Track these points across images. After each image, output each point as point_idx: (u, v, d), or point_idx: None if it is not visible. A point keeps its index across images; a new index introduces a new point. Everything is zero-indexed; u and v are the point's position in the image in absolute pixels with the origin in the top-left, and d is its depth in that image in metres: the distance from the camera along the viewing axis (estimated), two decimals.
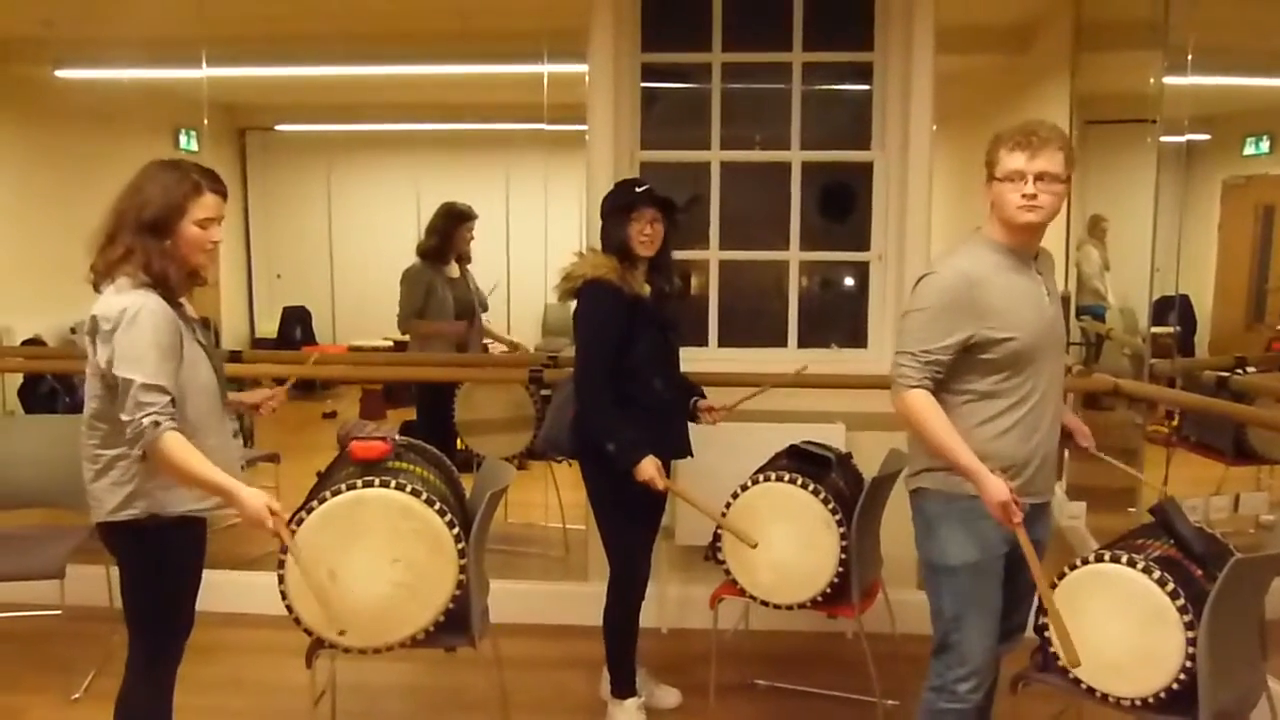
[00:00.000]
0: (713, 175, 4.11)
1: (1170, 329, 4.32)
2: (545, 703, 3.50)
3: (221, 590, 3.18)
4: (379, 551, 2.62)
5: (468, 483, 3.10)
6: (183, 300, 2.48)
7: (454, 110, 6.19)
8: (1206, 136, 4.72)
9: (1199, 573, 2.44)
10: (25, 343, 5.45)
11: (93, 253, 2.42)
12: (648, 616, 3.37)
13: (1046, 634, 2.51)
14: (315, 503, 2.63)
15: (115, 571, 2.50)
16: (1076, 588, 2.48)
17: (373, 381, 5.94)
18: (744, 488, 3.23)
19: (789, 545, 3.17)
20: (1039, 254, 2.57)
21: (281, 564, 2.60)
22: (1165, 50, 3.96)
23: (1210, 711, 2.31)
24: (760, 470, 3.28)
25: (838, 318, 4.28)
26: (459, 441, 4.70)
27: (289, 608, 2.62)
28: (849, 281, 4.27)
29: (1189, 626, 2.33)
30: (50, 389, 5.18)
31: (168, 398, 2.30)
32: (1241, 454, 4.35)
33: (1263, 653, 2.58)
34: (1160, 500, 2.62)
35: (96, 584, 3.29)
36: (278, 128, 6.59)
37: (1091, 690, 2.46)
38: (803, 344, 4.18)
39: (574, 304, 3.21)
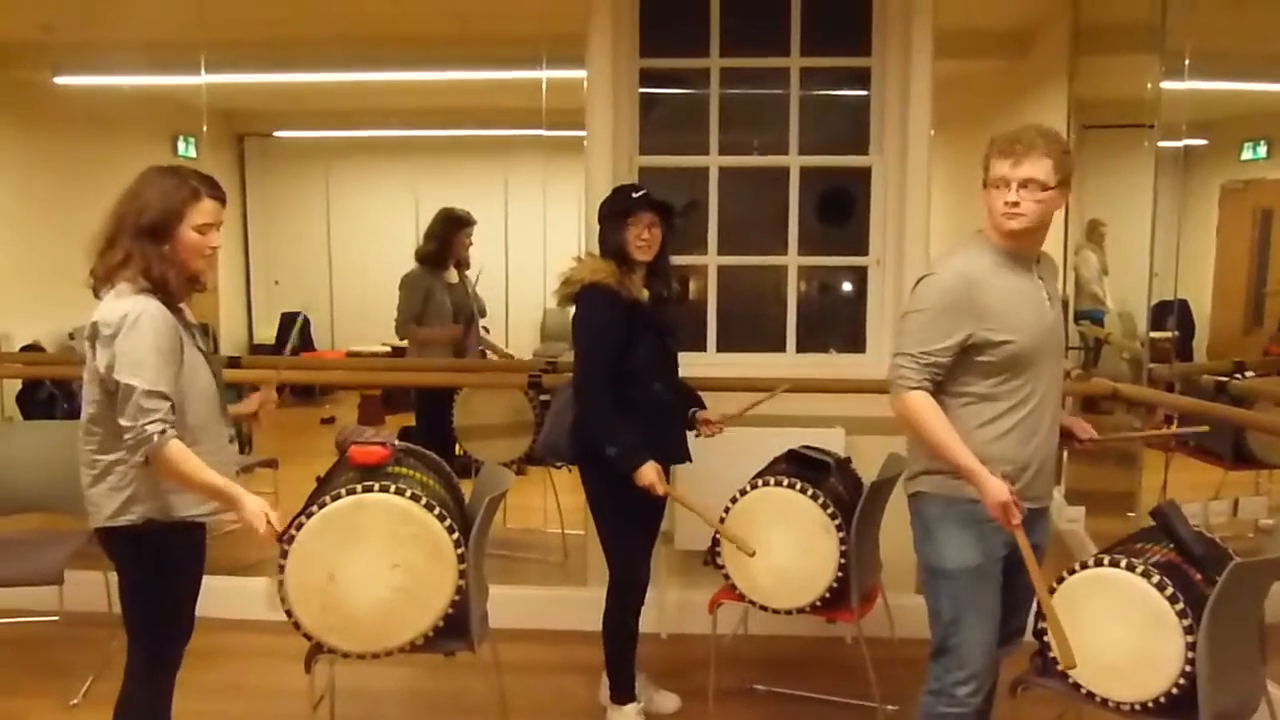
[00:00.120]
0: (711, 180, 4.11)
1: (1169, 333, 4.32)
2: (544, 708, 3.49)
3: (220, 595, 3.17)
4: (378, 556, 2.61)
5: (467, 488, 3.10)
6: (182, 305, 2.48)
7: (453, 116, 6.20)
8: (1204, 141, 4.74)
9: (1198, 577, 2.44)
10: (24, 348, 5.45)
11: (92, 258, 2.42)
12: (647, 621, 3.37)
13: (1045, 638, 2.50)
14: (315, 508, 2.63)
15: (114, 577, 2.50)
16: (1076, 592, 2.47)
17: (371, 387, 5.94)
18: (743, 492, 3.22)
19: (788, 550, 3.17)
20: (1040, 258, 2.57)
21: (280, 569, 2.60)
22: (1163, 55, 3.98)
23: (1210, 716, 2.31)
24: (759, 475, 3.28)
25: (836, 322, 4.28)
26: (458, 447, 4.70)
27: (288, 612, 2.62)
28: (847, 286, 4.27)
29: (1188, 631, 2.33)
30: (49, 394, 5.18)
31: (168, 404, 2.30)
32: (1240, 458, 4.35)
33: (1262, 657, 2.58)
34: (1160, 504, 2.62)
35: (95, 589, 3.28)
36: (276, 134, 6.60)
37: (1091, 694, 2.46)
38: (801, 349, 4.18)
39: (572, 309, 3.21)
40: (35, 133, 5.67)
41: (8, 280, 5.39)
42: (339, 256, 6.44)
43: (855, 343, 4.17)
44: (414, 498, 2.64)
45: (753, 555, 3.07)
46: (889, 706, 3.30)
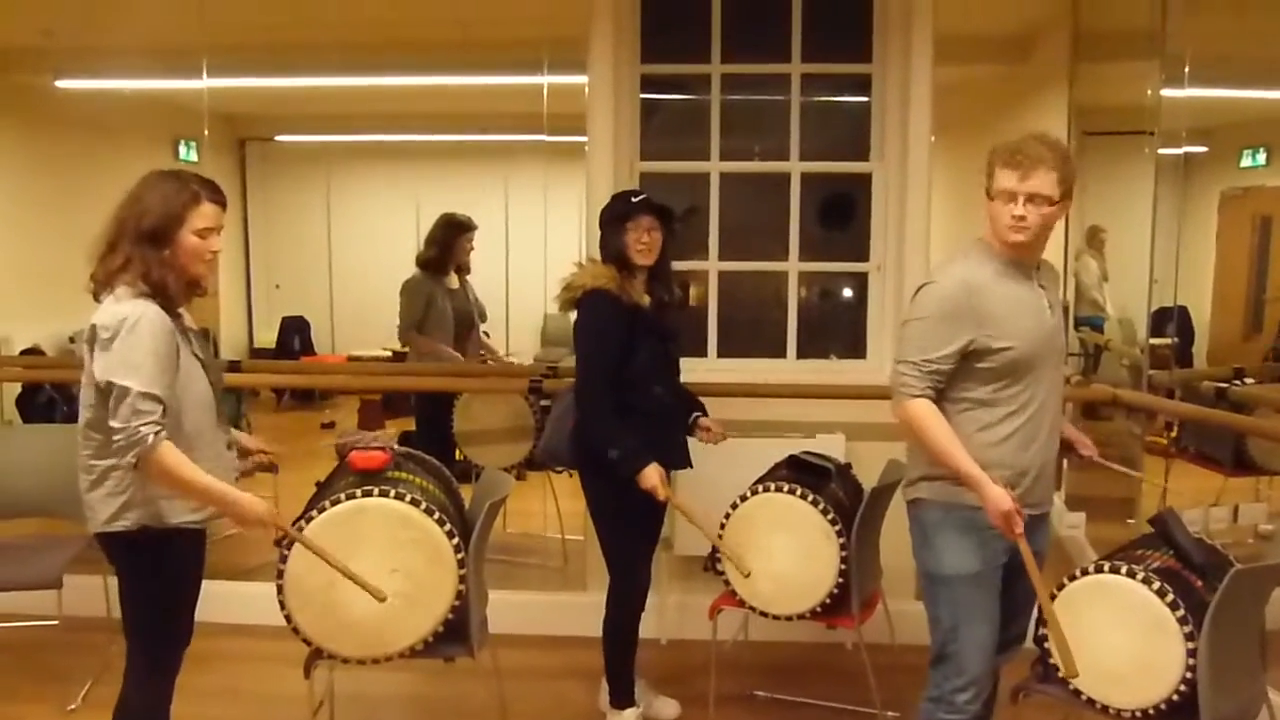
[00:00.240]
0: (712, 186, 4.12)
1: (1169, 340, 4.32)
2: (544, 713, 3.49)
3: (220, 600, 3.17)
4: (378, 561, 2.61)
5: (467, 493, 3.10)
6: (181, 311, 2.48)
7: (454, 121, 6.21)
8: (1204, 148, 4.74)
9: (1199, 583, 2.44)
10: (24, 352, 5.45)
11: (93, 262, 2.42)
12: (647, 627, 3.36)
13: (1046, 645, 2.50)
14: (315, 512, 2.63)
15: (113, 581, 2.50)
16: (1076, 598, 2.47)
17: (371, 391, 5.94)
18: (743, 498, 3.22)
19: (789, 556, 3.17)
20: (1041, 265, 2.57)
21: (280, 574, 2.60)
22: (1163, 62, 3.98)
23: None
24: (760, 481, 3.27)
25: (837, 328, 4.28)
26: (458, 452, 4.69)
27: (287, 617, 2.62)
28: (848, 292, 4.28)
29: (1189, 637, 2.33)
30: (48, 398, 5.18)
31: (162, 408, 2.30)
32: (1240, 464, 4.35)
33: (1263, 663, 2.57)
34: (1160, 511, 2.62)
35: (94, 594, 3.28)
36: (277, 138, 6.61)
37: (1091, 701, 2.46)
38: (802, 354, 4.18)
39: (573, 314, 3.21)
40: (36, 137, 5.67)
41: (8, 283, 5.39)
42: (340, 261, 6.44)
43: (856, 348, 4.17)
44: (414, 502, 2.64)
45: (748, 576, 3.09)
46: (889, 713, 3.30)
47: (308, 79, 5.84)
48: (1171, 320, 4.37)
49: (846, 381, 3.97)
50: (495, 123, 6.09)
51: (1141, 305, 4.21)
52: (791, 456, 3.38)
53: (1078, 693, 2.46)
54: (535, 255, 5.45)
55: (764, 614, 3.24)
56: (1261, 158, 5.03)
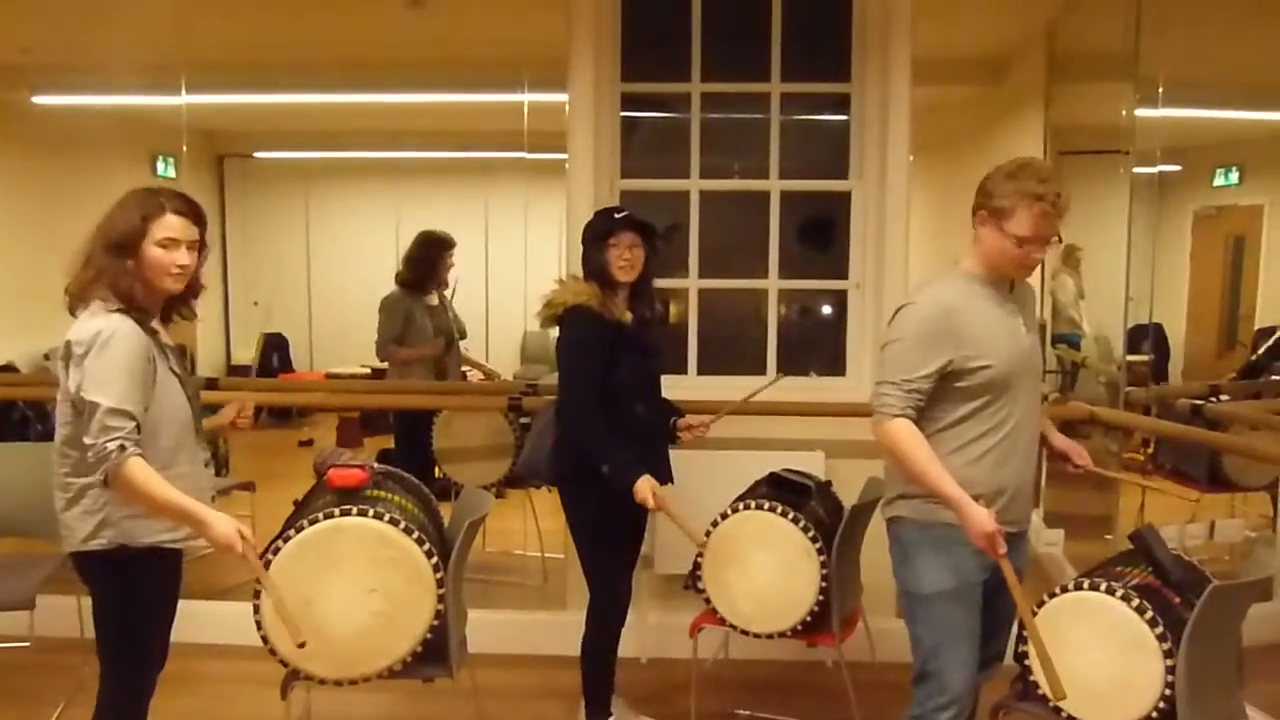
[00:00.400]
0: (692, 204, 4.13)
1: (1145, 357, 4.36)
2: None
3: (196, 620, 3.13)
4: (357, 581, 2.59)
5: (446, 511, 3.08)
6: (157, 327, 2.46)
7: (434, 138, 6.21)
8: (1177, 168, 4.80)
9: (1177, 600, 2.45)
10: None
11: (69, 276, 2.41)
12: (627, 646, 3.35)
13: (1026, 662, 2.51)
14: (292, 531, 2.61)
15: (86, 602, 2.47)
16: (1056, 616, 2.48)
17: (350, 409, 5.91)
18: (724, 516, 3.22)
19: (769, 574, 3.16)
20: (1014, 284, 2.59)
21: (257, 594, 2.57)
22: (1136, 83, 4.03)
23: None
24: (740, 498, 3.27)
25: (816, 345, 4.30)
26: (437, 469, 4.67)
27: (264, 638, 2.59)
28: (827, 309, 4.29)
29: (1168, 654, 2.34)
30: (22, 415, 5.13)
31: (133, 423, 2.27)
32: (1216, 481, 4.39)
33: (1240, 679, 2.59)
34: (1139, 527, 2.63)
35: (67, 615, 3.24)
36: (256, 155, 6.58)
37: (1072, 718, 2.46)
38: (781, 371, 4.18)
39: (554, 331, 3.21)
40: (12, 153, 5.63)
41: None
42: (318, 278, 6.41)
43: (835, 366, 4.18)
44: (392, 521, 2.62)
45: (705, 543, 3.07)
46: None
47: (287, 95, 5.83)
48: (1147, 337, 4.42)
49: (826, 399, 3.98)
50: (476, 140, 6.09)
51: (1118, 323, 4.25)
52: (771, 474, 3.38)
53: (1058, 710, 2.47)
54: (515, 272, 5.45)
55: (745, 632, 3.23)
56: (1234, 177, 5.11)
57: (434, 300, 4.87)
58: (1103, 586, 2.44)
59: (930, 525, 2.51)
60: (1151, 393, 4.30)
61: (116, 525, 2.37)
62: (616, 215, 3.18)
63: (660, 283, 3.38)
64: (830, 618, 3.14)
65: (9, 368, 5.40)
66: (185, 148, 4.78)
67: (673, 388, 3.52)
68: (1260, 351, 4.80)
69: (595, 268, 3.16)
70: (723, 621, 3.24)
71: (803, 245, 4.22)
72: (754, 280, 4.18)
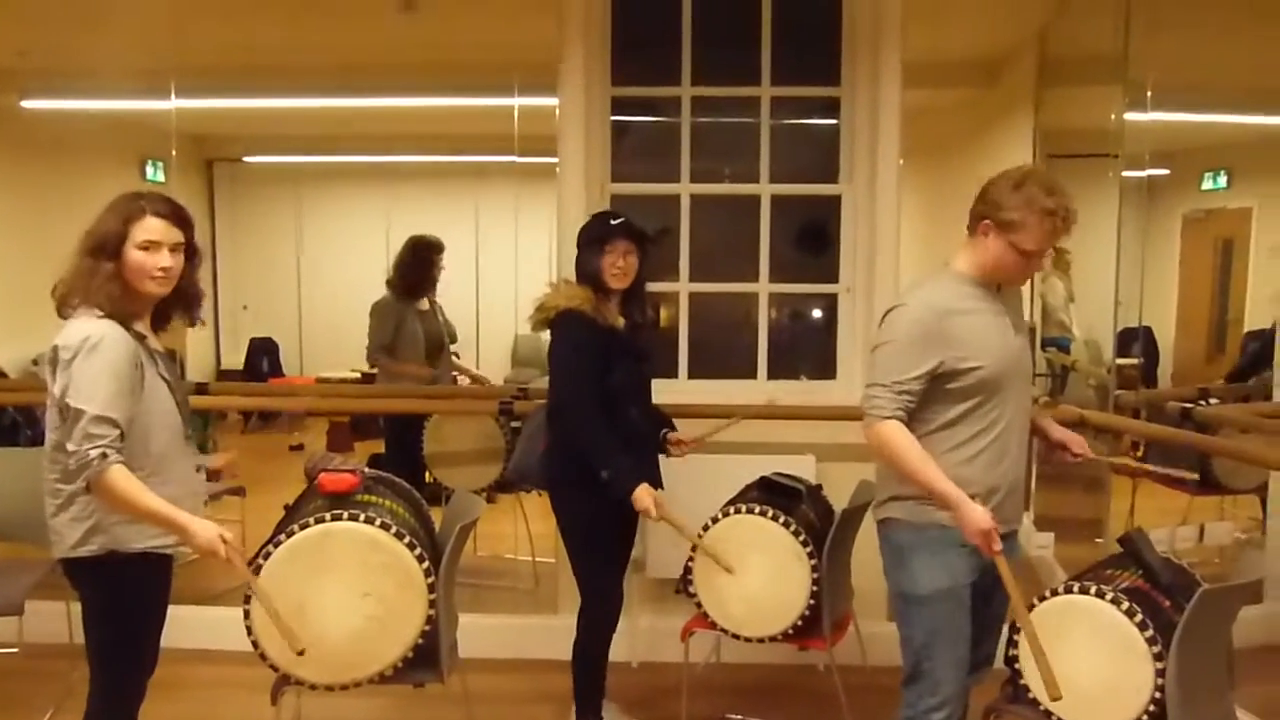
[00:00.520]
0: (682, 207, 4.13)
1: (1134, 360, 4.37)
2: None
3: (186, 626, 3.12)
4: (348, 585, 2.59)
5: (437, 516, 3.07)
6: (146, 333, 2.45)
7: (424, 142, 6.19)
8: (1166, 171, 4.82)
9: (1167, 604, 2.46)
10: None
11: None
12: (618, 650, 3.35)
13: (1016, 665, 2.51)
14: (283, 536, 2.60)
15: (76, 607, 2.46)
16: (1046, 619, 2.48)
17: (340, 413, 5.89)
18: (715, 520, 3.22)
19: (760, 578, 3.16)
20: (1001, 285, 2.59)
21: (247, 599, 2.57)
22: (1126, 86, 4.05)
23: None
24: (731, 502, 3.27)
25: (807, 349, 4.30)
26: (428, 474, 4.66)
27: (254, 643, 2.59)
28: (818, 313, 4.30)
29: (1158, 658, 2.35)
30: (12, 421, 5.09)
31: (117, 431, 2.27)
32: (1205, 484, 4.39)
33: (1230, 682, 2.60)
34: (1128, 531, 2.64)
35: (56, 620, 3.22)
36: (246, 159, 6.56)
37: None
38: (772, 375, 4.19)
39: (545, 334, 3.20)
40: (0, 158, 5.60)
41: None
42: (308, 282, 6.39)
43: (826, 369, 4.19)
44: (384, 526, 2.62)
45: (731, 572, 3.07)
46: None
47: (277, 100, 5.81)
48: (1137, 341, 4.43)
49: (817, 402, 3.99)
50: (466, 144, 6.07)
51: (1107, 326, 4.26)
52: (762, 478, 3.38)
53: (1048, 714, 2.47)
54: (506, 276, 5.43)
55: (736, 636, 3.23)
56: (1222, 180, 5.12)
57: (425, 305, 4.86)
58: (1093, 590, 2.45)
59: (923, 526, 2.52)
60: (1141, 396, 4.31)
61: (106, 531, 2.36)
62: (613, 222, 3.17)
63: (651, 286, 3.38)
64: (821, 621, 3.15)
65: None
66: (175, 152, 4.76)
67: (663, 392, 3.52)
68: (1242, 359, 4.83)
69: (589, 272, 3.15)
70: (714, 625, 3.24)
71: (793, 249, 4.23)
72: (745, 284, 4.19)
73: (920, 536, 2.54)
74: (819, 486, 3.53)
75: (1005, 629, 2.61)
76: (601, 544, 3.22)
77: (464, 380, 5.21)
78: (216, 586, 4.15)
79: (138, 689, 2.53)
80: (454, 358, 5.07)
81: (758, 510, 3.18)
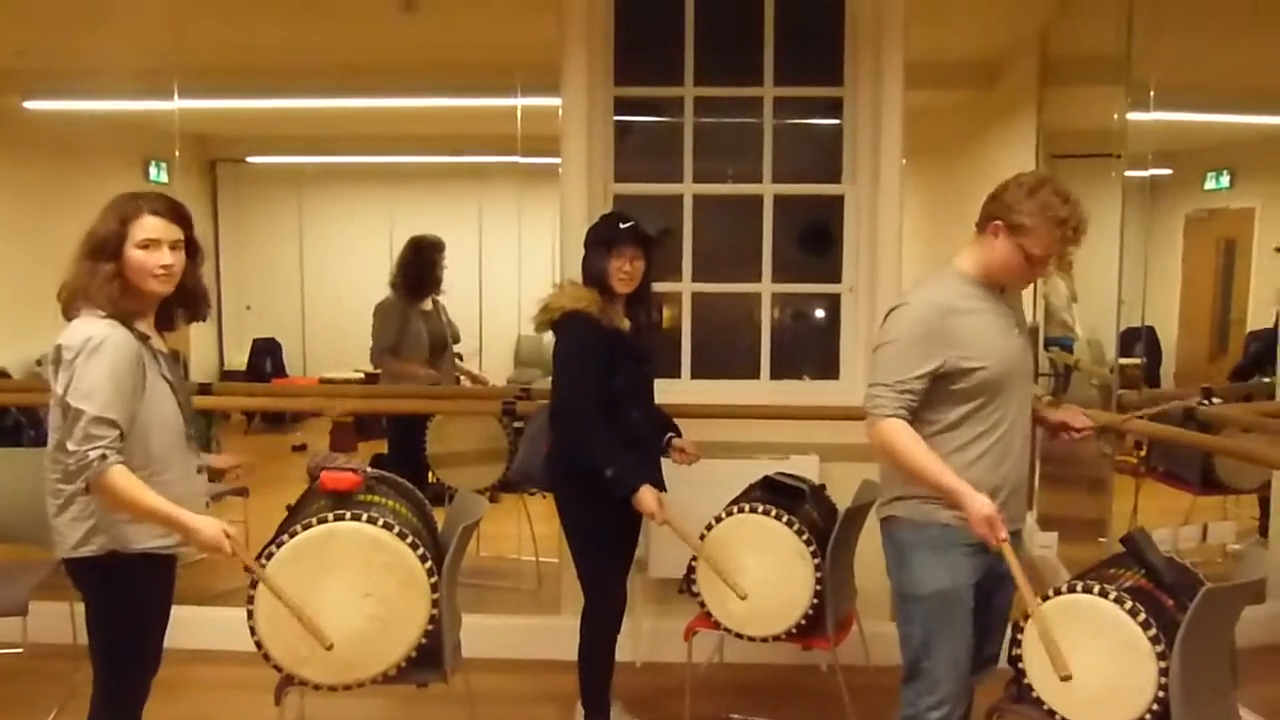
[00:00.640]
0: (685, 208, 4.13)
1: (1137, 360, 4.37)
2: None
3: (188, 626, 3.13)
4: (351, 585, 2.59)
5: (440, 516, 3.08)
6: (149, 333, 2.46)
7: (427, 143, 6.19)
8: (1169, 171, 4.81)
9: (1170, 603, 2.45)
10: None
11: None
12: (621, 650, 3.35)
13: (1020, 664, 2.51)
14: (286, 536, 2.60)
15: (79, 608, 2.46)
16: (1050, 618, 2.47)
17: (344, 413, 5.89)
18: (718, 519, 3.22)
19: (764, 577, 3.16)
20: (1004, 286, 2.60)
21: (250, 599, 2.57)
22: (1128, 87, 4.05)
23: None
24: (734, 502, 3.27)
25: (810, 349, 4.30)
26: (431, 474, 4.66)
27: (258, 643, 2.59)
28: (821, 313, 4.30)
29: (1161, 657, 2.34)
30: (15, 422, 5.10)
31: (116, 432, 2.27)
32: (1208, 484, 4.40)
33: (1233, 681, 2.59)
34: (1131, 530, 2.64)
35: (60, 621, 3.22)
36: (249, 159, 6.56)
37: None
38: (775, 375, 4.19)
39: (548, 335, 3.20)
40: (3, 158, 5.60)
41: None
42: (311, 282, 6.39)
43: (829, 369, 4.19)
44: (386, 526, 2.61)
45: (744, 599, 3.07)
46: None
47: (280, 100, 5.82)
48: (1139, 340, 4.43)
49: (820, 402, 3.99)
50: (469, 144, 6.07)
51: (1110, 326, 4.26)
52: (766, 477, 3.38)
53: (1052, 713, 2.47)
54: (509, 277, 5.43)
55: (739, 636, 3.23)
56: (1225, 180, 5.12)
57: (428, 306, 4.86)
58: (1096, 589, 2.44)
59: (926, 526, 2.52)
60: (1144, 395, 4.31)
61: (108, 531, 2.37)
62: (622, 226, 3.16)
63: (654, 287, 3.38)
64: (825, 621, 3.14)
65: (1, 374, 5.37)
66: (178, 152, 4.77)
67: (666, 392, 3.52)
68: (1244, 359, 4.83)
69: (595, 274, 3.15)
70: (717, 625, 3.24)
71: (796, 249, 4.23)
72: (747, 284, 4.19)
73: (922, 535, 2.54)
74: (822, 486, 3.53)
75: (1009, 629, 2.61)
76: (605, 544, 3.22)
77: (465, 382, 5.21)
78: (219, 587, 4.16)
79: (141, 689, 2.53)
80: (457, 359, 5.07)
81: (761, 510, 3.18)
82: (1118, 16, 4.02)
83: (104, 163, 5.21)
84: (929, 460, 2.42)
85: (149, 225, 2.38)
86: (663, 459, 3.34)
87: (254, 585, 2.56)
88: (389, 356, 4.76)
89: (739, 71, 4.08)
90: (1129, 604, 2.39)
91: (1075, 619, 2.45)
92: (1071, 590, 2.48)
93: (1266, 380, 4.47)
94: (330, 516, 2.61)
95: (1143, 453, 4.49)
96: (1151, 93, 4.08)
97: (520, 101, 4.80)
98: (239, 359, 6.40)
